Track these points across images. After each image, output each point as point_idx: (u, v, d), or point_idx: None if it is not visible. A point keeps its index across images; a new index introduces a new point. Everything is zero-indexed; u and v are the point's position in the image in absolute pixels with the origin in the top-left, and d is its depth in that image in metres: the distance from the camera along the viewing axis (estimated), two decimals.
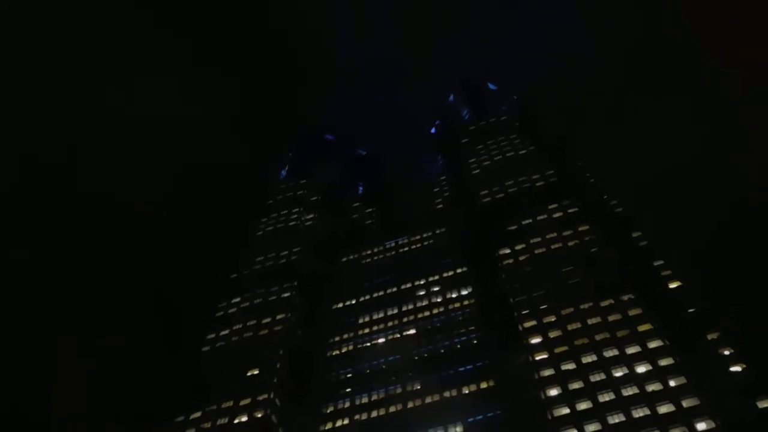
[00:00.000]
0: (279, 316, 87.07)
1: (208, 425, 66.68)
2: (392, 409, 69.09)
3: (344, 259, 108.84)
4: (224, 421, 66.93)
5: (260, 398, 69.47)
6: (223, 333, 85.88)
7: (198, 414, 68.80)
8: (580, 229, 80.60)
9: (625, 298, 64.17)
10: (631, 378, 54.53)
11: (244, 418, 66.92)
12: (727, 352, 56.77)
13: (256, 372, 74.54)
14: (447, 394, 68.38)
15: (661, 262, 72.31)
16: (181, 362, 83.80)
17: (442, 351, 76.54)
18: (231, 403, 69.09)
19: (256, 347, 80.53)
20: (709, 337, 59.02)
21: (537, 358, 61.82)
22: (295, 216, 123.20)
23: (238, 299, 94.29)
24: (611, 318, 62.42)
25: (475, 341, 76.07)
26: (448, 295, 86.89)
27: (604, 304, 64.70)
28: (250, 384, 72.32)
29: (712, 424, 48.07)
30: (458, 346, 76.56)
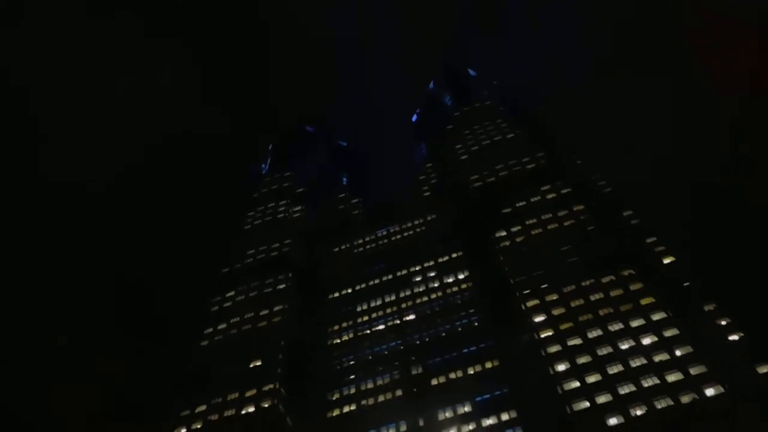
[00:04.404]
0: (276, 308, 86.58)
1: (215, 417, 66.14)
2: (398, 393, 69.39)
3: (336, 249, 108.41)
4: (231, 412, 66.45)
5: (265, 389, 69.11)
6: (221, 327, 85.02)
7: (203, 407, 68.15)
8: (574, 208, 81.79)
9: (626, 273, 65.46)
10: (638, 349, 55.82)
11: (251, 409, 66.55)
12: (724, 322, 58.67)
13: (258, 363, 74.08)
14: (452, 375, 68.92)
15: (653, 238, 74.26)
16: (180, 357, 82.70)
17: (444, 334, 77.00)
18: (237, 395, 68.65)
19: (256, 339, 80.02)
20: (706, 308, 60.86)
21: (542, 335, 62.69)
22: (283, 208, 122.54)
23: (232, 293, 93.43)
24: (613, 293, 63.66)
25: (476, 323, 76.66)
26: (446, 280, 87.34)
27: (604, 280, 65.90)
28: (254, 375, 71.90)
29: (721, 389, 49.53)
30: (459, 329, 77.09)
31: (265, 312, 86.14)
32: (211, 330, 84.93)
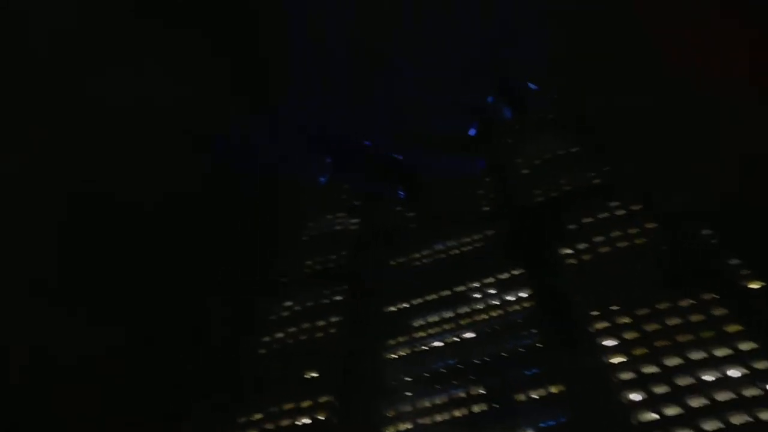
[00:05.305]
0: (333, 319, 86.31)
1: (271, 426, 66.00)
2: (457, 413, 66.88)
3: (393, 263, 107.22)
4: (287, 422, 66.11)
5: (321, 400, 68.54)
6: (278, 335, 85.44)
7: (260, 415, 68.12)
8: (647, 226, 77.49)
9: (707, 297, 60.85)
10: (725, 382, 51.26)
11: (307, 420, 66.08)
12: None
13: (314, 374, 73.68)
14: (514, 398, 65.84)
15: (737, 260, 68.87)
16: (235, 364, 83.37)
17: (505, 354, 73.94)
18: (292, 405, 68.32)
19: (312, 350, 79.96)
20: None
21: (613, 361, 58.96)
22: (340, 220, 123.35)
23: (290, 303, 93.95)
24: (693, 318, 59.17)
25: (538, 344, 73.30)
26: (506, 297, 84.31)
27: (683, 303, 61.46)
28: (310, 386, 71.57)
29: None
30: (521, 349, 73.79)
31: (321, 323, 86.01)
32: (268, 338, 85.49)
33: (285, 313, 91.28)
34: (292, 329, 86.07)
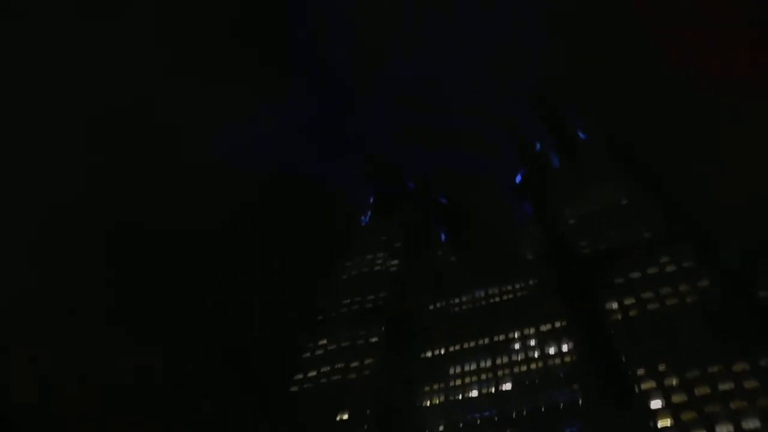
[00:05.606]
0: (367, 361, 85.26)
1: None
2: None
3: (431, 307, 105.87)
4: None
5: None
6: (311, 374, 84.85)
7: None
8: (699, 284, 74.03)
9: (764, 363, 57.07)
10: None
11: None
12: None
13: (345, 417, 72.50)
14: None
15: None
16: (267, 402, 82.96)
17: (543, 409, 71.11)
18: None
19: (345, 391, 78.80)
20: None
21: (660, 424, 55.65)
22: (380, 261, 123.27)
23: (324, 341, 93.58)
24: (748, 385, 55.48)
25: (580, 400, 70.14)
26: (547, 350, 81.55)
27: (737, 368, 57.82)
28: (341, 429, 70.28)
29: None
30: (561, 404, 70.84)
31: (356, 364, 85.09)
32: (301, 376, 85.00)
33: (319, 352, 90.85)
34: (325, 368, 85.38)
